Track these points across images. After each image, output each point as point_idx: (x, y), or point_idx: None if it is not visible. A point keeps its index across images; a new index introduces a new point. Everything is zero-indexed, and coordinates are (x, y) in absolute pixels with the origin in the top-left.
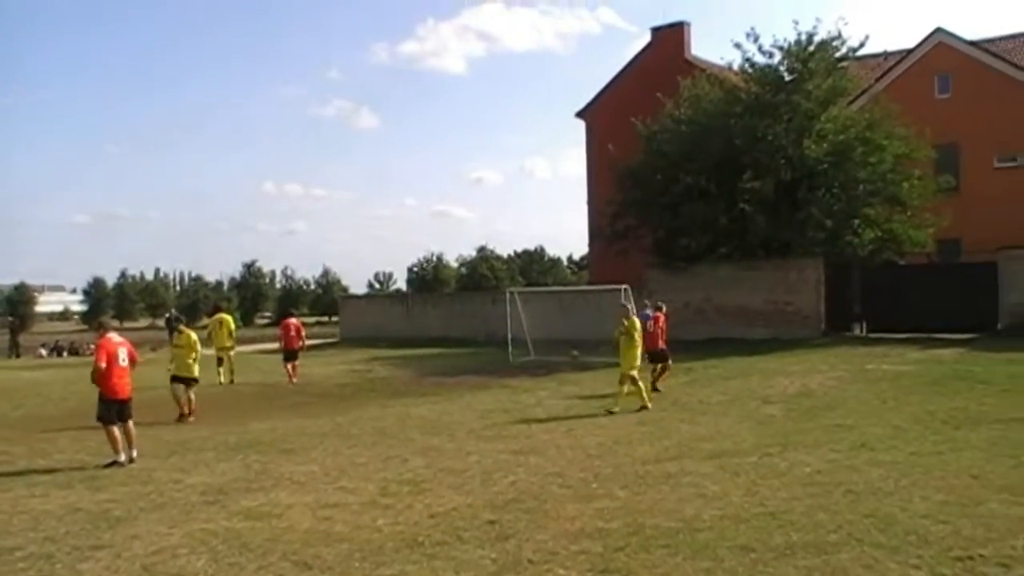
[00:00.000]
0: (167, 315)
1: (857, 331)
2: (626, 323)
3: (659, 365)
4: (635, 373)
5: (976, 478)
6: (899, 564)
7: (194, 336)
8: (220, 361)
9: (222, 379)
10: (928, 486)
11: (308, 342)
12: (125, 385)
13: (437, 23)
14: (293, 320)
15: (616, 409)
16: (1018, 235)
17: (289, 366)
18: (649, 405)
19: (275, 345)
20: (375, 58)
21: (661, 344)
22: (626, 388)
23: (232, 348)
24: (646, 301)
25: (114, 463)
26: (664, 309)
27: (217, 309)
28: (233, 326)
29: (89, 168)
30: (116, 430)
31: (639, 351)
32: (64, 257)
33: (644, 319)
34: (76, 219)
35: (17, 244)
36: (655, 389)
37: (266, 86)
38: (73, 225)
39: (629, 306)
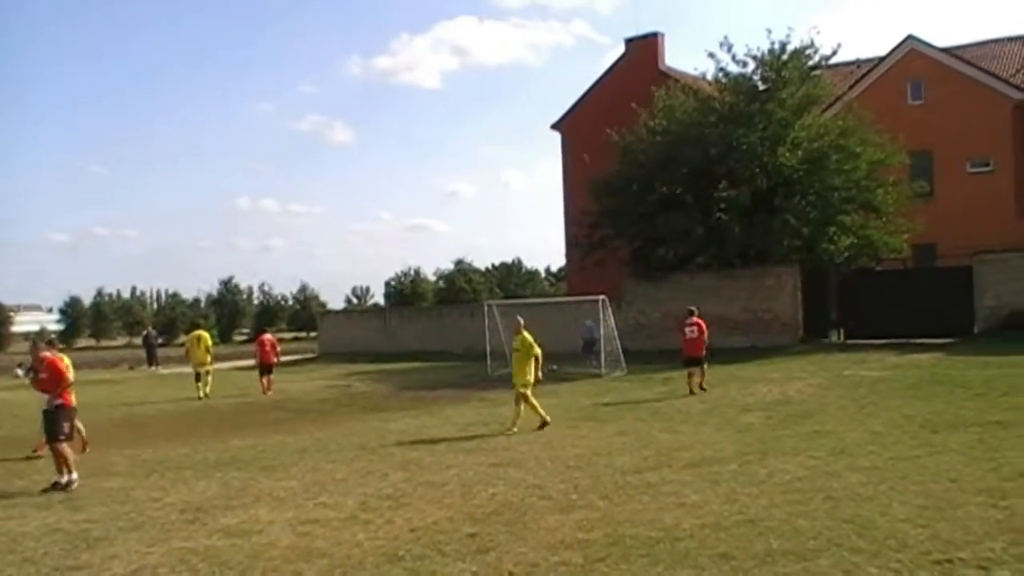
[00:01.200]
0: (144, 332)
1: (835, 337)
2: (517, 339)
3: (696, 369)
4: (527, 391)
5: (954, 481)
6: (879, 568)
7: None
8: (198, 376)
9: (200, 394)
10: (907, 490)
11: (287, 358)
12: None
13: (411, 37)
14: (268, 336)
15: (514, 429)
16: (992, 239)
17: (264, 380)
18: (548, 420)
19: (253, 361)
20: (349, 72)
21: (700, 350)
22: (522, 407)
23: (210, 363)
24: (588, 322)
25: (59, 484)
26: (695, 311)
27: (195, 326)
28: (210, 342)
29: (68, 187)
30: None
31: (532, 367)
32: (40, 276)
33: (589, 333)
34: (54, 238)
35: None
36: (702, 389)
37: (241, 102)
38: (50, 244)
39: (521, 320)
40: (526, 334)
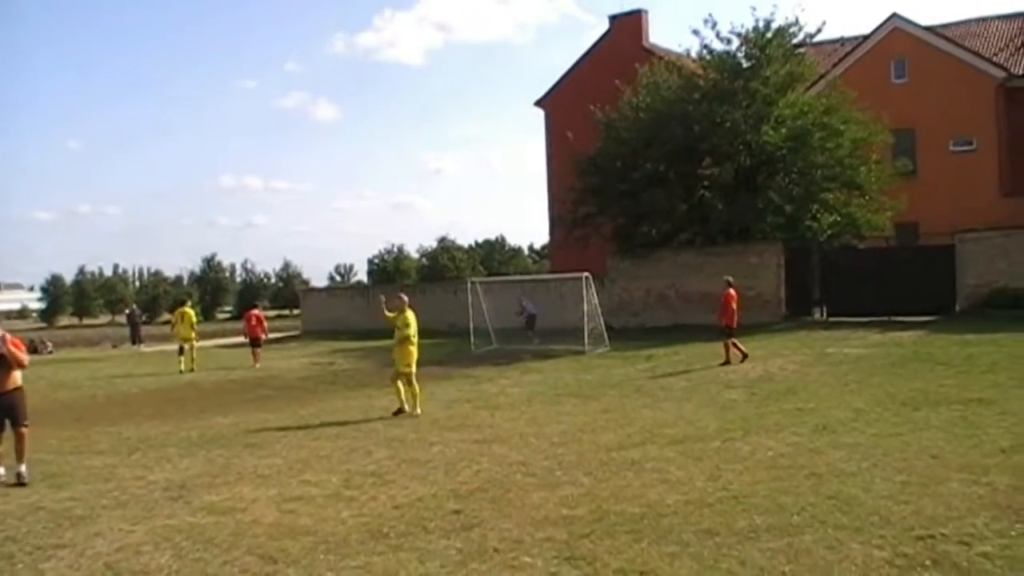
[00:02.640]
0: (128, 310)
1: (817, 315)
2: (391, 316)
3: (731, 340)
4: (411, 370)
5: (936, 458)
6: (862, 544)
7: None
8: (181, 350)
9: (182, 367)
10: (889, 467)
11: (270, 335)
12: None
13: (394, 13)
14: (255, 311)
15: (418, 411)
16: (974, 218)
17: (255, 352)
18: (407, 409)
19: (236, 340)
20: (333, 49)
21: (730, 320)
22: (405, 388)
23: (194, 339)
24: (523, 300)
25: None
26: (731, 281)
27: (180, 303)
28: (195, 319)
29: (50, 166)
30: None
31: (413, 349)
32: (22, 255)
33: (525, 311)
34: (37, 216)
35: None
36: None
37: (224, 79)
38: (32, 222)
39: (404, 297)
40: (409, 313)
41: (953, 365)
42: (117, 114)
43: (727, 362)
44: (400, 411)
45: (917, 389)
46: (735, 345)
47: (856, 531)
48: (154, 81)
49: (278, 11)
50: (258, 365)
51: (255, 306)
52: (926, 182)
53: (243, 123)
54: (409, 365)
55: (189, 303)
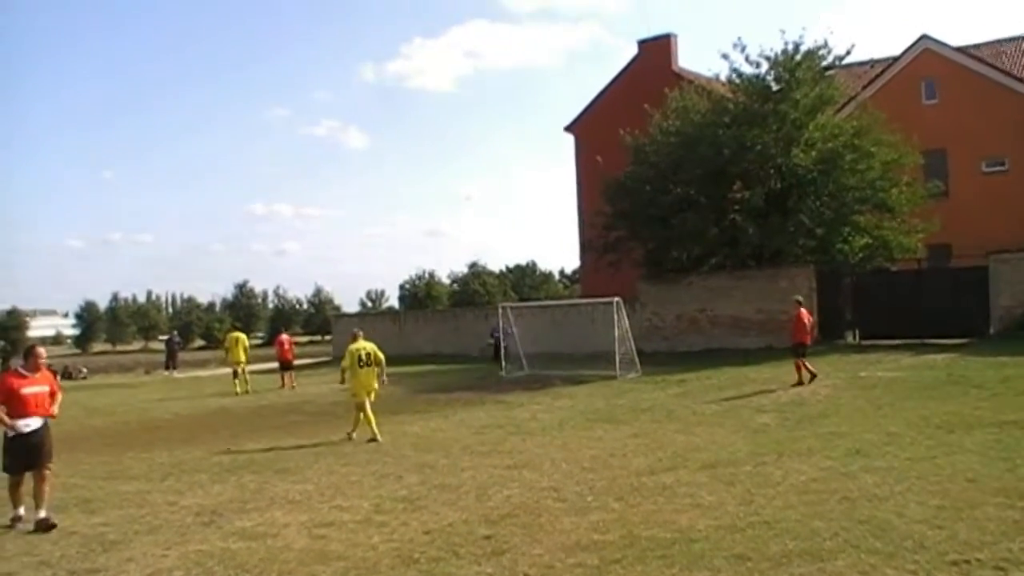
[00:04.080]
0: (166, 336)
1: (850, 338)
2: (364, 349)
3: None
4: (361, 399)
5: (971, 482)
6: (895, 570)
7: None
8: (235, 374)
9: (238, 390)
10: (923, 491)
11: (301, 361)
12: None
13: (424, 41)
14: (284, 336)
15: (379, 438)
16: (1007, 239)
17: (284, 376)
18: (353, 437)
19: (268, 365)
20: (362, 78)
21: (804, 337)
22: (362, 416)
23: (245, 362)
24: (498, 328)
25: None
26: (800, 300)
27: (234, 328)
28: (247, 343)
29: (83, 194)
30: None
31: (359, 379)
32: (56, 282)
33: (494, 335)
34: (70, 244)
35: (9, 269)
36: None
37: (256, 107)
38: (66, 249)
39: (356, 331)
40: (361, 345)
41: (987, 388)
42: (149, 142)
43: (800, 383)
44: (349, 437)
45: (951, 412)
46: (805, 366)
47: (889, 556)
48: (186, 110)
49: (308, 40)
50: (295, 386)
51: (281, 331)
52: (958, 203)
53: (274, 151)
54: (355, 395)
55: (241, 328)
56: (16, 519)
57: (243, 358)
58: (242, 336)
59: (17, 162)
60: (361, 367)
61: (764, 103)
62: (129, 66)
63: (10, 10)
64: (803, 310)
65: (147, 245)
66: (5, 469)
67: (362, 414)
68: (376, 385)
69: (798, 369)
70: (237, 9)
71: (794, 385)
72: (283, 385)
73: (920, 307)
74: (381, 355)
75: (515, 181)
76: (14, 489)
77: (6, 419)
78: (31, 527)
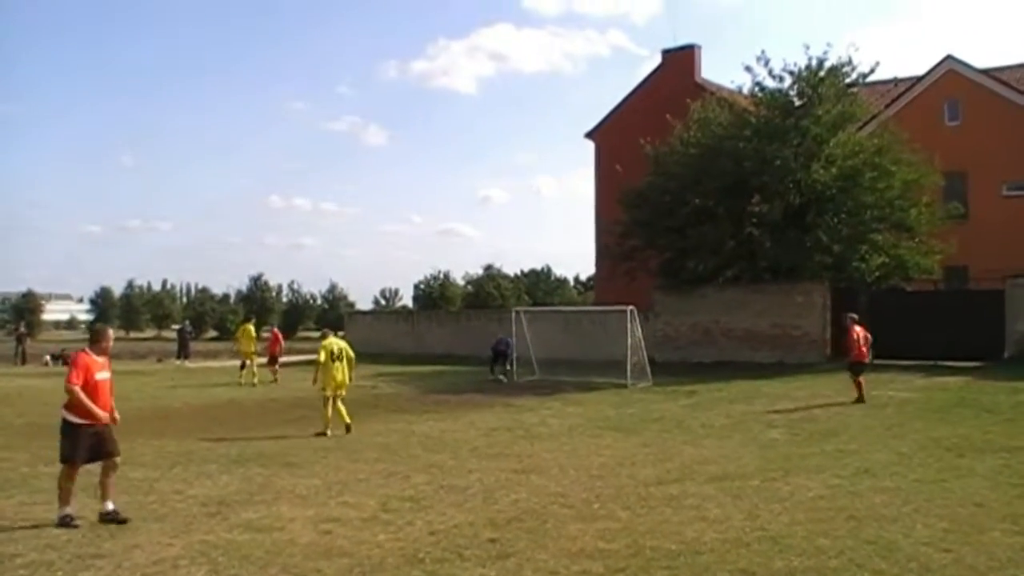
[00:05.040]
0: (179, 326)
1: None
2: (338, 345)
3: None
4: (328, 394)
5: (980, 506)
6: None
7: None
8: (243, 365)
9: (242, 380)
10: (931, 513)
11: (312, 357)
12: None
13: (448, 42)
14: (275, 330)
15: (336, 431)
16: None
17: (271, 369)
18: (328, 433)
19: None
20: (385, 75)
21: (860, 355)
22: (330, 410)
23: (253, 352)
24: (503, 341)
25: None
26: (855, 318)
27: (247, 319)
28: (253, 333)
29: (102, 180)
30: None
31: (331, 375)
32: (72, 266)
33: (503, 346)
34: (88, 229)
35: (26, 252)
36: (861, 399)
37: (277, 100)
38: (83, 235)
39: (327, 331)
40: (331, 342)
41: (999, 412)
42: (170, 131)
43: (860, 399)
44: (323, 433)
45: (961, 435)
46: (858, 385)
47: None
48: (207, 100)
49: (332, 35)
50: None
51: (273, 326)
52: (977, 226)
53: (294, 144)
54: (324, 388)
55: (252, 321)
56: (66, 519)
57: (252, 349)
58: (249, 327)
59: (37, 146)
60: (333, 362)
61: (786, 118)
62: (152, 53)
63: None
64: (857, 328)
65: (164, 233)
66: (64, 459)
67: (329, 409)
68: (347, 381)
69: (858, 387)
70: (264, 2)
71: (854, 401)
72: (275, 380)
73: (934, 328)
74: (352, 353)
75: (533, 185)
76: (66, 481)
77: (94, 407)
78: (79, 524)
